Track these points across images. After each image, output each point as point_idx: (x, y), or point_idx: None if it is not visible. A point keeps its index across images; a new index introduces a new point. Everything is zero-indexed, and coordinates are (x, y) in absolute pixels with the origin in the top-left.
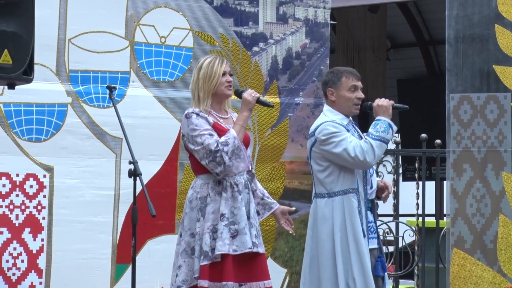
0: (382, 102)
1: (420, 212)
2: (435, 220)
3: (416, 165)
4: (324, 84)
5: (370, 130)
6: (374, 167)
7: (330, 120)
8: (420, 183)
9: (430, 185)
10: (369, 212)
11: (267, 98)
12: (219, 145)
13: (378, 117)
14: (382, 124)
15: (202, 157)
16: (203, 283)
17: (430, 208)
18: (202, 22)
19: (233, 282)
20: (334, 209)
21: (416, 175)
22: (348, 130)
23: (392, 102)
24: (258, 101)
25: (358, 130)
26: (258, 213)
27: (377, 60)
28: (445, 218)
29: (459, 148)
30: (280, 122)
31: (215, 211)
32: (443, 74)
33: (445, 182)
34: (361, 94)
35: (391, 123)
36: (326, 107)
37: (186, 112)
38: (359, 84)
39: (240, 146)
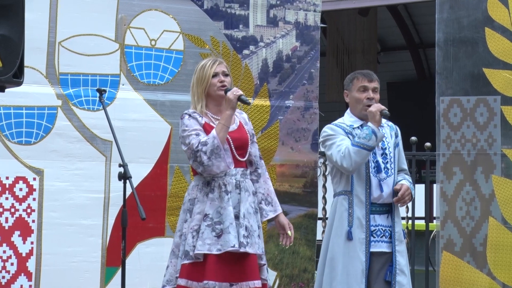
0: (372, 107)
1: (410, 215)
2: (424, 223)
3: None
4: (343, 88)
5: (355, 136)
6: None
7: (335, 122)
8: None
9: (420, 188)
10: (380, 216)
11: (258, 101)
12: (199, 145)
13: (368, 123)
14: (366, 131)
15: (188, 157)
16: (180, 281)
17: (420, 211)
18: (193, 25)
19: (214, 281)
20: (331, 210)
21: None
22: (348, 133)
23: (381, 108)
24: (239, 99)
25: None
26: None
27: (367, 63)
28: (434, 221)
29: (449, 151)
30: (270, 125)
31: (200, 212)
32: (433, 77)
33: (434, 185)
34: (370, 95)
35: (376, 129)
36: (347, 110)
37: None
38: (371, 85)
39: (220, 146)
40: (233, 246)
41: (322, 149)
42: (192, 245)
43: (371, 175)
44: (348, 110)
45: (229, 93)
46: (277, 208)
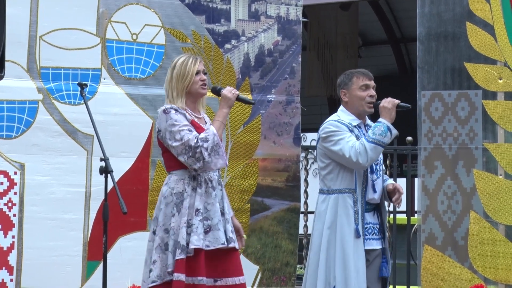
0: (387, 104)
1: (391, 209)
2: (406, 217)
3: (388, 162)
4: (338, 87)
5: (369, 132)
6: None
7: (335, 119)
8: (391, 180)
9: (402, 182)
10: (369, 214)
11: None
12: (199, 141)
13: (379, 119)
14: (381, 127)
15: (180, 153)
16: (181, 276)
17: (402, 205)
18: (174, 19)
19: (206, 278)
20: (328, 207)
21: (387, 172)
22: (351, 131)
23: (396, 102)
24: (238, 98)
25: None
26: None
27: (349, 57)
28: (416, 215)
29: (430, 145)
30: (252, 119)
31: (190, 206)
32: (414, 71)
33: (416, 179)
34: (373, 92)
35: (391, 126)
36: (340, 108)
37: (163, 107)
38: (371, 83)
39: (219, 143)
40: (223, 243)
41: (326, 144)
42: (187, 239)
43: (368, 175)
44: (342, 108)
45: (226, 91)
46: (230, 210)
